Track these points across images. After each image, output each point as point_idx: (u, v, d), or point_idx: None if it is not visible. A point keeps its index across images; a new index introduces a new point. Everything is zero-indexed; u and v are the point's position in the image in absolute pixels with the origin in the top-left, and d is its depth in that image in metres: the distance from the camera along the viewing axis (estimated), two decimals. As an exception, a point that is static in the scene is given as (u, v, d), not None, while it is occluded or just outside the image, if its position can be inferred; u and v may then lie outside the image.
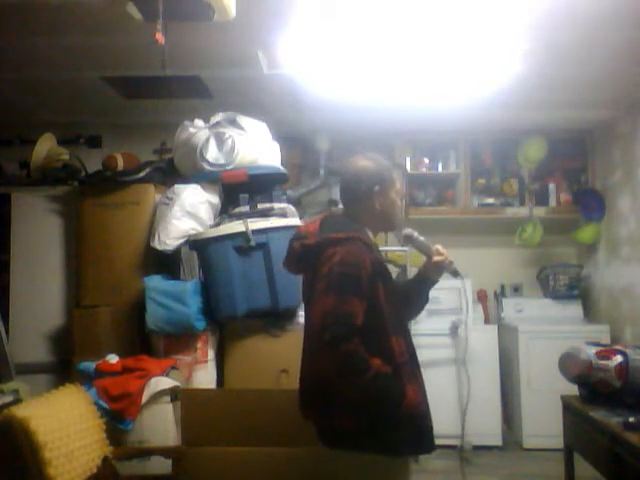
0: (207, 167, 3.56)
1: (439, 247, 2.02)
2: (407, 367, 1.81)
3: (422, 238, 2.06)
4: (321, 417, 1.84)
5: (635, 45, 3.11)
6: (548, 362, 3.18)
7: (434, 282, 2.06)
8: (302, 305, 2.01)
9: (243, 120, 3.65)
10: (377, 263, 1.80)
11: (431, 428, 1.87)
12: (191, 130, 3.65)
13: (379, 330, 1.77)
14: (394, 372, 1.73)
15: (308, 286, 1.89)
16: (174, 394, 3.14)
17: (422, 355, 4.30)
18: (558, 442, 3.01)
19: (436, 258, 2.00)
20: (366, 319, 1.71)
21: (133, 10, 2.34)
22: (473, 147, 4.90)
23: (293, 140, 4.55)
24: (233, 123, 3.64)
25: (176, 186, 3.60)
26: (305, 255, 1.89)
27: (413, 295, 2.07)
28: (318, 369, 1.76)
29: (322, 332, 1.67)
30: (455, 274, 2.05)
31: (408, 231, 2.06)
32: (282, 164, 3.82)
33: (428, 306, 5.00)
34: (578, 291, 4.79)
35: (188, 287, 3.39)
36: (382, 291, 1.79)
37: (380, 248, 2.12)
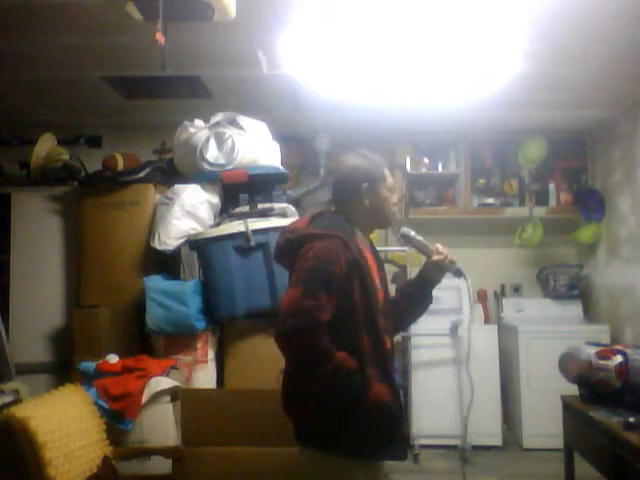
0: (207, 167, 3.56)
1: (439, 246, 1.99)
2: (377, 368, 1.76)
3: (420, 237, 2.03)
4: (294, 414, 1.82)
5: (635, 45, 3.10)
6: (548, 362, 3.18)
7: (436, 282, 2.02)
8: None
9: (243, 120, 3.65)
10: (355, 262, 1.76)
11: (404, 435, 1.83)
12: (191, 130, 3.65)
13: (350, 328, 1.74)
14: (361, 369, 1.70)
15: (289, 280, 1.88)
16: (174, 394, 3.14)
17: (422, 355, 4.38)
18: (558, 442, 3.01)
19: (435, 257, 1.98)
20: (336, 316, 1.69)
21: (133, 10, 2.34)
22: (473, 147, 4.90)
23: (293, 140, 4.55)
24: (233, 123, 3.64)
25: (176, 186, 3.60)
26: (287, 249, 1.88)
27: (415, 296, 2.04)
28: (286, 363, 1.77)
29: (284, 322, 1.66)
30: (458, 274, 2.02)
31: (405, 230, 2.03)
32: (282, 164, 3.81)
33: (428, 306, 4.94)
34: (578, 291, 4.79)
35: (188, 287, 3.39)
36: (357, 291, 1.76)
37: (378, 248, 2.10)
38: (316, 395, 1.72)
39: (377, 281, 1.89)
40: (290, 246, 1.86)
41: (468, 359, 4.40)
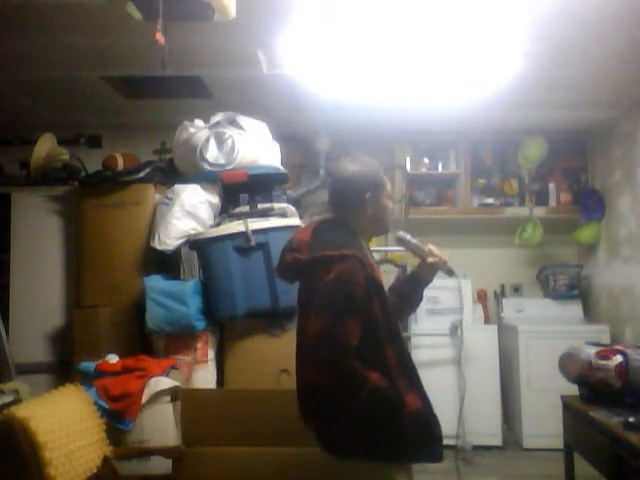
0: (207, 167, 3.56)
1: (432, 248, 2.00)
2: (405, 377, 1.80)
3: (415, 240, 2.04)
4: (321, 428, 1.83)
5: (635, 45, 3.11)
6: (548, 362, 3.18)
7: (428, 282, 2.05)
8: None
9: (243, 120, 3.65)
10: (371, 278, 1.77)
11: (438, 437, 1.84)
12: (191, 130, 3.65)
13: (376, 344, 1.76)
14: (392, 384, 1.73)
15: (303, 296, 1.88)
16: (174, 394, 3.14)
17: (422, 355, 4.38)
18: (558, 442, 3.01)
19: (430, 259, 1.99)
20: (363, 335, 1.71)
21: (133, 10, 2.33)
22: (473, 147, 4.90)
23: (293, 140, 4.55)
24: (233, 123, 3.64)
25: (176, 186, 3.60)
26: (298, 269, 1.87)
27: (408, 295, 2.06)
28: (315, 386, 1.76)
29: (317, 351, 1.68)
30: (450, 273, 2.05)
31: (400, 234, 2.05)
32: (282, 164, 3.81)
33: (428, 306, 5.01)
34: (578, 291, 4.79)
35: (188, 287, 3.39)
36: (378, 306, 1.78)
37: (377, 248, 2.11)
38: (351, 415, 1.73)
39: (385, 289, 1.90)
40: (301, 266, 1.84)
41: (460, 359, 4.42)
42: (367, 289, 1.75)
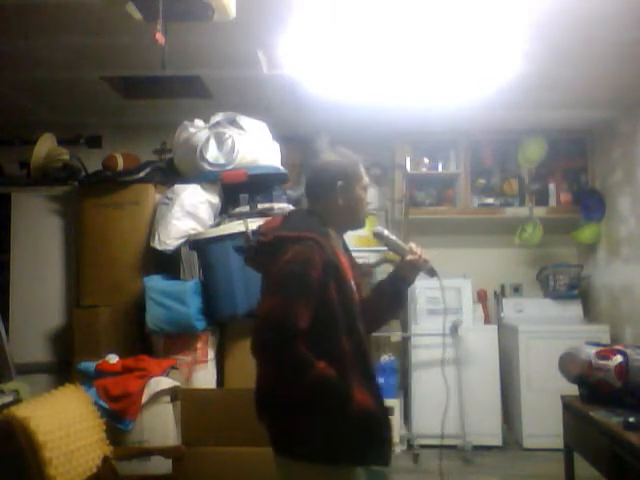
0: (207, 167, 3.56)
1: (412, 245, 1.93)
2: (358, 374, 1.71)
3: (394, 237, 1.98)
4: (270, 421, 1.76)
5: (635, 45, 3.11)
6: (548, 362, 3.18)
7: (409, 282, 1.96)
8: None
9: (243, 120, 3.65)
10: (330, 264, 1.70)
11: (387, 440, 1.77)
12: (191, 130, 3.65)
13: (329, 333, 1.69)
14: (342, 375, 1.65)
15: (263, 280, 1.83)
16: (174, 394, 3.14)
17: (422, 355, 4.37)
18: (558, 442, 3.01)
19: (409, 257, 1.91)
20: (314, 321, 1.64)
21: (133, 10, 2.34)
22: (473, 147, 4.90)
23: (293, 140, 4.54)
24: (233, 123, 3.65)
25: (176, 186, 3.60)
26: (260, 252, 1.83)
27: (388, 295, 1.96)
28: (262, 371, 1.72)
29: (263, 333, 1.61)
30: (431, 274, 1.96)
31: (378, 229, 1.97)
32: (282, 164, 3.82)
33: (428, 306, 4.99)
34: (578, 291, 4.79)
35: (188, 287, 3.39)
36: (334, 293, 1.70)
37: (358, 248, 2.05)
38: (297, 404, 1.67)
39: (352, 282, 1.82)
40: (263, 249, 1.80)
41: (460, 359, 4.42)
42: (324, 273, 1.67)
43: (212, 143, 3.57)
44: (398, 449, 4.29)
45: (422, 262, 1.91)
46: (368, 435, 1.69)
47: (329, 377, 1.63)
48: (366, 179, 1.91)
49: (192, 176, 3.63)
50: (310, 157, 4.47)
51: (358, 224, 1.94)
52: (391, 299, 1.96)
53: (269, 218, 2.03)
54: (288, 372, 1.62)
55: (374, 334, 4.14)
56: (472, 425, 4.29)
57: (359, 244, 4.25)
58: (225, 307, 3.35)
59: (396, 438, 4.23)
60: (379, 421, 1.74)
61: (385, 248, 2.02)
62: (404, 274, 1.94)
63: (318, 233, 1.74)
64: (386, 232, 1.97)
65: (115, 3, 2.43)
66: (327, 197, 1.86)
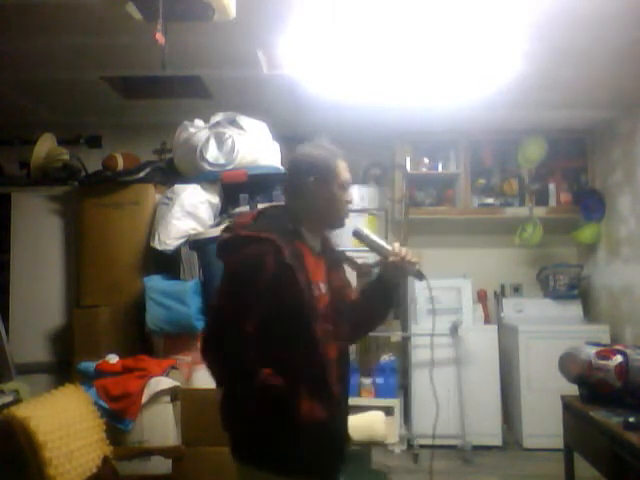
0: (207, 167, 3.56)
1: (396, 246, 1.79)
2: (310, 382, 1.61)
3: (374, 236, 1.85)
4: (224, 426, 1.71)
5: (635, 45, 3.11)
6: (548, 362, 3.18)
7: (395, 284, 1.83)
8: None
9: (243, 120, 3.65)
10: (284, 267, 1.59)
11: (337, 453, 1.70)
12: (191, 130, 3.65)
13: (277, 339, 1.61)
14: (290, 384, 1.57)
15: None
16: (174, 394, 3.14)
17: (422, 355, 4.37)
18: (558, 442, 3.01)
19: (391, 259, 1.77)
20: (262, 326, 1.58)
21: (133, 10, 2.34)
22: (473, 147, 4.90)
23: (293, 140, 4.53)
24: (233, 123, 3.65)
25: (176, 186, 3.60)
26: (220, 249, 1.74)
27: (374, 298, 1.84)
28: (210, 373, 1.67)
29: (207, 337, 1.60)
30: (419, 277, 1.83)
31: (357, 228, 1.85)
32: (282, 164, 3.81)
33: (428, 306, 4.98)
34: (578, 291, 4.79)
35: (188, 287, 3.39)
36: (287, 298, 1.61)
37: (353, 248, 1.92)
38: (244, 414, 1.63)
39: (321, 285, 1.73)
40: (224, 246, 1.72)
41: (460, 359, 4.42)
42: (275, 276, 1.58)
43: (212, 143, 3.57)
44: (398, 449, 4.29)
45: (407, 264, 1.78)
46: (314, 447, 1.61)
47: (272, 386, 1.56)
48: (345, 175, 1.76)
49: (192, 176, 3.63)
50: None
51: (336, 223, 1.80)
52: (378, 302, 1.85)
53: (246, 213, 1.96)
54: (231, 379, 1.61)
55: (373, 334, 4.20)
56: (472, 425, 4.29)
57: (359, 244, 4.24)
58: (225, 307, 3.34)
59: (396, 438, 4.22)
60: (326, 434, 1.65)
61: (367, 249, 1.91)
62: (388, 276, 1.80)
63: (280, 233, 1.64)
64: (365, 231, 1.85)
65: (115, 3, 2.43)
66: (301, 193, 1.74)
